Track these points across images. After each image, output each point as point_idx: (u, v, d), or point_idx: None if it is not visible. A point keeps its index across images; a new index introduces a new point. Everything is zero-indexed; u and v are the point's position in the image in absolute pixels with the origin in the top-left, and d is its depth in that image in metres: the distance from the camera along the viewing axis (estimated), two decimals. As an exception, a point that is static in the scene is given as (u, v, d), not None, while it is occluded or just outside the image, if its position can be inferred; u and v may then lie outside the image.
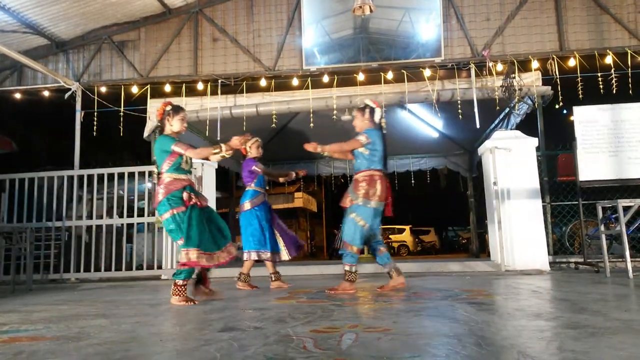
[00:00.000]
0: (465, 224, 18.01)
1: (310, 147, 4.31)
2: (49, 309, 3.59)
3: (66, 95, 8.11)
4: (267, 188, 5.12)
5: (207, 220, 3.74)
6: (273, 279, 4.93)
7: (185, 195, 3.67)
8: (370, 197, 4.08)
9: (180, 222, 3.62)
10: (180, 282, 3.64)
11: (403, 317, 2.63)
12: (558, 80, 7.32)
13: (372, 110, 4.36)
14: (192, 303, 3.59)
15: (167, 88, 8.12)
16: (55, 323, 2.83)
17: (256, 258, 4.87)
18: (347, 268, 4.18)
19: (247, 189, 5.00)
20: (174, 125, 3.83)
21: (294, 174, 5.23)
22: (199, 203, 3.73)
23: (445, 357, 1.72)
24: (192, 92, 8.16)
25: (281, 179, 5.47)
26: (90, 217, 7.05)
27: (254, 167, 4.95)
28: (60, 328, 2.64)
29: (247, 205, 4.90)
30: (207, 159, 3.90)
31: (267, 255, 4.82)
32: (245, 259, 4.87)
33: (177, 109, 3.87)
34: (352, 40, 8.22)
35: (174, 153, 3.73)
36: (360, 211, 4.09)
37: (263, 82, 7.98)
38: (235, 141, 3.70)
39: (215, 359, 1.78)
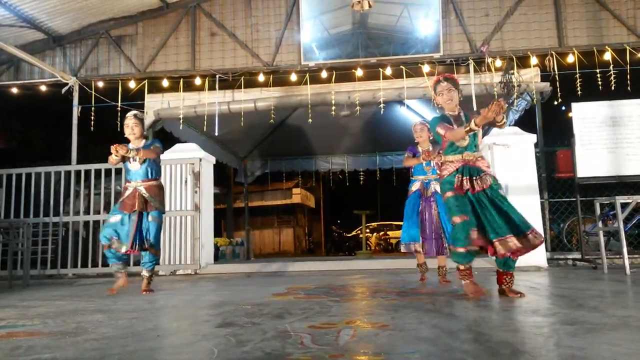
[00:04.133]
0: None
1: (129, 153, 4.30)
2: (46, 305, 3.59)
3: (63, 90, 8.08)
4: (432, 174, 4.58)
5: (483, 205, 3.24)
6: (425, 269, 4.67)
7: (456, 180, 3.27)
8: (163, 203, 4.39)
9: (450, 206, 3.28)
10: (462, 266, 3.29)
11: (401, 313, 2.63)
12: (557, 76, 7.32)
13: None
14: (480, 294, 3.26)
15: (165, 83, 8.10)
16: (53, 318, 2.83)
17: (405, 251, 4.59)
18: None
19: None
20: (437, 99, 3.48)
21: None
22: (471, 189, 3.26)
23: (443, 353, 1.72)
24: (189, 87, 8.14)
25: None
26: (87, 212, 7.03)
27: (407, 154, 4.66)
28: (58, 323, 2.63)
29: (409, 193, 4.66)
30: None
31: (413, 247, 4.54)
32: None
33: (438, 82, 3.46)
34: (351, 35, 8.20)
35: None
36: (162, 215, 4.39)
37: (261, 78, 7.96)
38: (490, 112, 3.24)
39: (213, 354, 1.78)
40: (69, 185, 7.03)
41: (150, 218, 4.28)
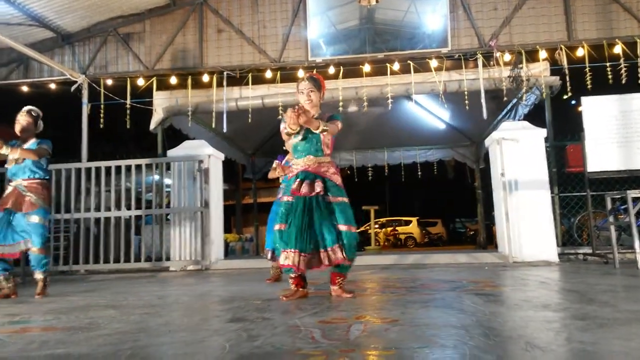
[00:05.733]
0: (473, 216, 17.99)
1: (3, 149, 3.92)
2: (58, 300, 3.62)
3: (72, 88, 8.13)
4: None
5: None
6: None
7: (295, 184, 3.18)
8: (49, 203, 4.15)
9: (280, 212, 3.23)
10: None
11: (411, 308, 2.63)
12: (566, 70, 7.26)
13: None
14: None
15: (173, 80, 8.12)
16: (65, 314, 2.86)
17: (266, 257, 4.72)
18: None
19: None
20: (298, 97, 3.36)
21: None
22: (308, 192, 3.14)
23: (453, 348, 1.72)
24: (197, 84, 8.17)
25: None
26: (98, 209, 7.09)
27: None
28: (70, 319, 2.66)
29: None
30: None
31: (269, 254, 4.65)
32: None
33: (302, 80, 3.38)
34: (358, 31, 8.18)
35: None
36: (48, 215, 4.10)
37: (269, 74, 7.96)
38: (289, 120, 2.95)
39: (224, 349, 1.79)
40: (79, 182, 7.09)
41: (31, 219, 3.88)
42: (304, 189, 3.13)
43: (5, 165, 4.00)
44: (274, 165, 4.71)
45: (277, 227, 3.14)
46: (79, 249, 6.84)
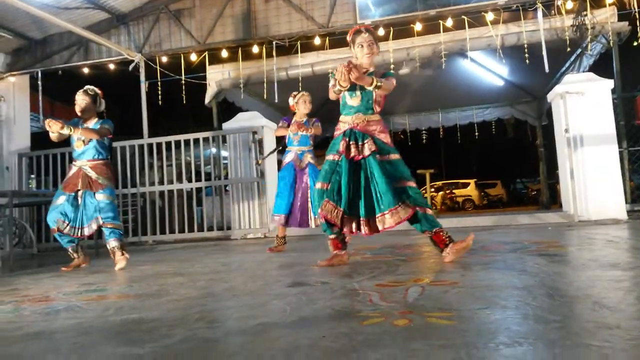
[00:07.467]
0: (534, 175, 17.34)
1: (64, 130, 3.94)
2: (130, 270, 3.85)
3: (130, 67, 8.39)
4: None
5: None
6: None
7: (342, 144, 3.09)
8: (114, 181, 4.26)
9: (321, 170, 3.18)
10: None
11: (470, 271, 2.60)
12: (637, 14, 6.70)
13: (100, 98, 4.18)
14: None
15: (224, 53, 8.21)
16: (137, 282, 3.04)
17: (275, 222, 4.69)
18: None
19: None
20: (355, 51, 3.21)
21: None
22: (357, 155, 3.06)
23: (515, 309, 1.70)
24: (248, 56, 8.21)
25: None
26: (162, 182, 7.40)
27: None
28: (142, 286, 2.83)
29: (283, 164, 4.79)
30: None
31: (278, 219, 4.57)
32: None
33: (358, 32, 3.16)
34: (408, -13, 7.87)
35: None
36: (114, 192, 4.22)
37: (317, 41, 7.88)
38: (338, 74, 2.86)
39: (285, 312, 1.85)
40: (143, 157, 7.40)
41: (100, 197, 4.00)
42: (352, 152, 3.06)
43: (74, 147, 4.10)
44: (280, 124, 4.69)
45: (318, 185, 3.11)
46: (146, 221, 7.20)
